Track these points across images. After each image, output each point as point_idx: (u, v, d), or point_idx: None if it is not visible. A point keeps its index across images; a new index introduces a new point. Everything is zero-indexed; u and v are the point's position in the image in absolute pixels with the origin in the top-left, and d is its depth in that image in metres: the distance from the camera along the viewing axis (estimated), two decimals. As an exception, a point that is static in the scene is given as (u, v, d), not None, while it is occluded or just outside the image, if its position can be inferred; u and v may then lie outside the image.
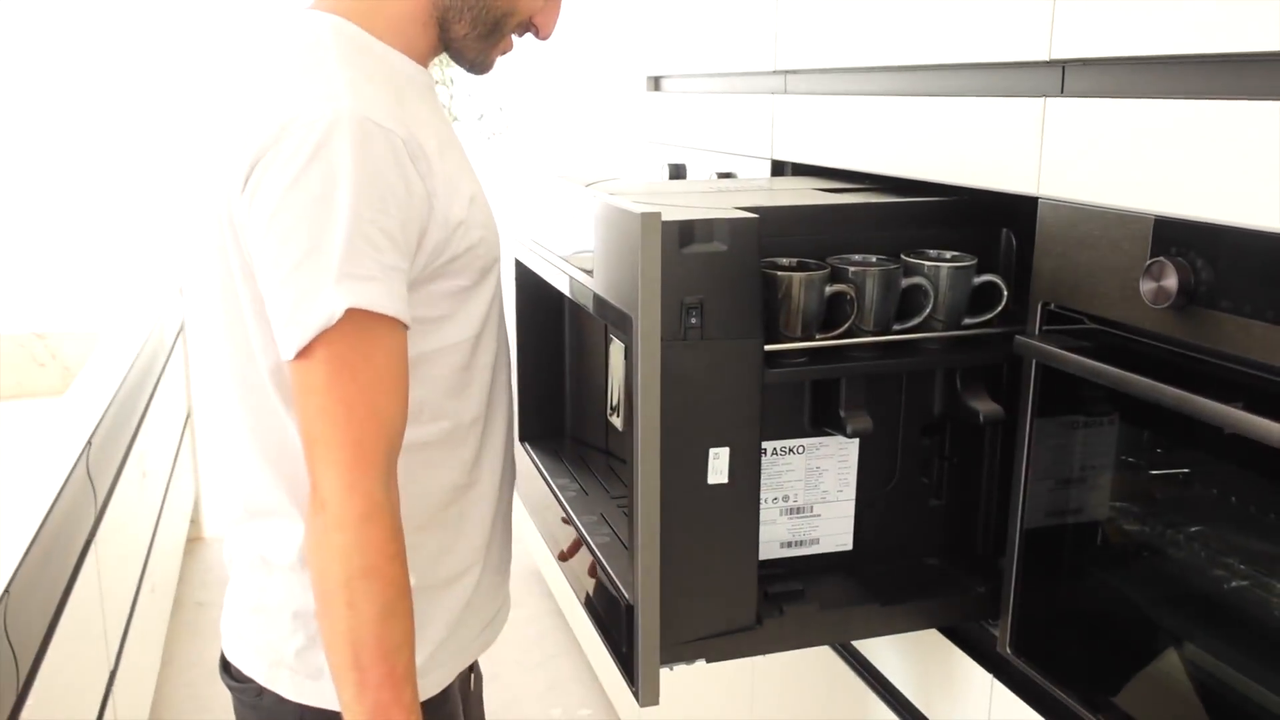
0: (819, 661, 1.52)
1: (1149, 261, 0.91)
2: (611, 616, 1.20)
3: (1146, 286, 0.91)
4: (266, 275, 0.95)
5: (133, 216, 6.27)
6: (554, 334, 1.55)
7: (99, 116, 6.33)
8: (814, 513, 1.21)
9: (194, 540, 3.63)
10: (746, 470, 1.07)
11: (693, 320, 1.02)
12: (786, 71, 1.60)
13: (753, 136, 1.69)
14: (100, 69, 6.29)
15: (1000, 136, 1.12)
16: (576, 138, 2.83)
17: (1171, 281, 0.89)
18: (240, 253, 0.99)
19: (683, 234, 1.00)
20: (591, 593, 1.30)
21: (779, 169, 1.64)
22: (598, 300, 1.12)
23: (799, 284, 1.06)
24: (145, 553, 2.43)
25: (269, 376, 1.03)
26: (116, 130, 6.38)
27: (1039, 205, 1.06)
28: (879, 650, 1.40)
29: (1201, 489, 0.99)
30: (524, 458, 1.53)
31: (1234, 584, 0.94)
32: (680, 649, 1.10)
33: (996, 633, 1.17)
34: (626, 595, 1.11)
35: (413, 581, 1.00)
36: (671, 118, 2.07)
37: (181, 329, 3.45)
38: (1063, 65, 1.04)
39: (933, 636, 1.27)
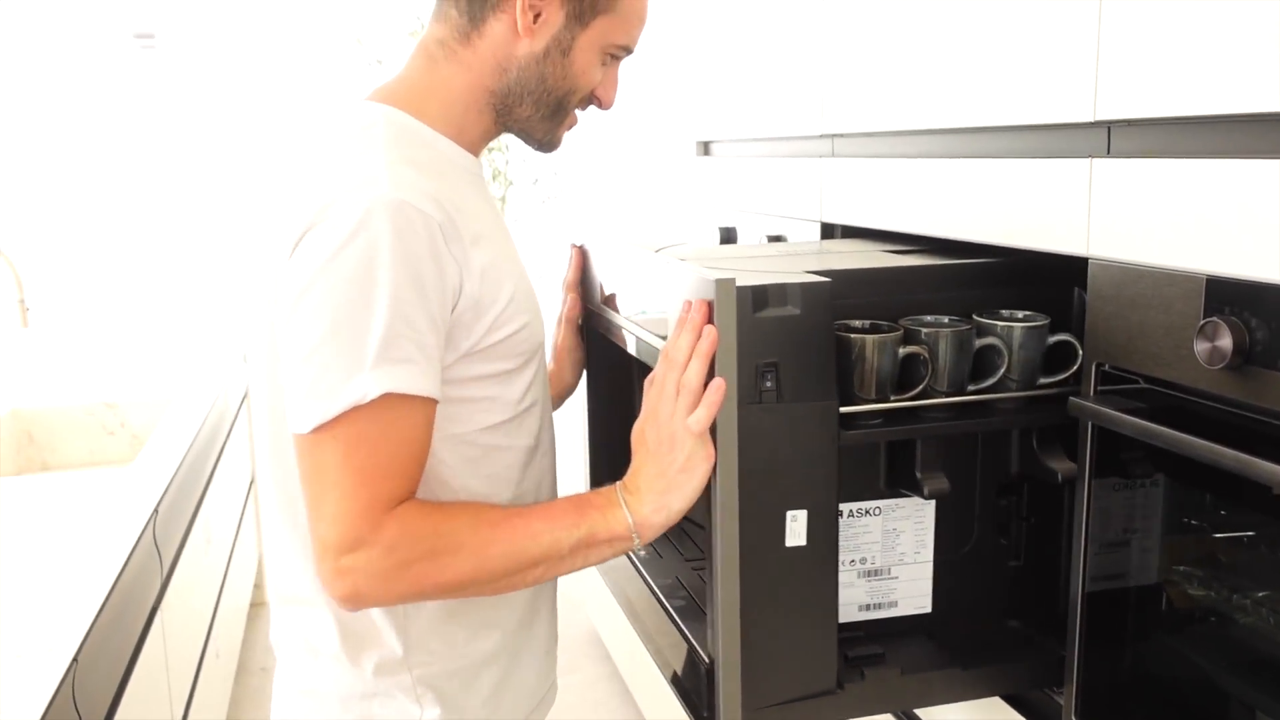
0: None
1: (1202, 321, 0.90)
2: (690, 678, 1.20)
3: (1201, 347, 0.90)
4: (291, 348, 0.96)
5: (198, 285, 6.44)
6: (624, 396, 1.56)
7: (165, 190, 6.54)
8: (891, 575, 1.21)
9: (257, 605, 3.67)
10: (824, 532, 1.07)
11: (768, 383, 1.03)
12: (834, 135, 1.61)
13: (802, 199, 1.70)
14: (164, 139, 6.50)
15: (1048, 197, 1.12)
16: (629, 201, 2.86)
17: (1226, 341, 0.88)
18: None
19: (756, 298, 1.02)
20: (668, 653, 1.29)
21: (828, 231, 1.64)
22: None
23: (873, 346, 1.06)
24: (210, 619, 2.46)
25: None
26: (181, 203, 6.58)
27: (1089, 265, 1.06)
28: (938, 715, 1.37)
29: (1267, 552, 0.96)
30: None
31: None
32: (762, 713, 1.09)
33: (1061, 700, 1.14)
34: (706, 657, 1.12)
35: (448, 665, 1.03)
36: (721, 181, 2.09)
37: (245, 395, 3.52)
38: (1108, 126, 1.04)
39: (995, 703, 1.25)
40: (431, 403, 0.98)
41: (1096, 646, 1.09)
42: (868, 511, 1.18)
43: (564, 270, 1.41)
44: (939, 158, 1.34)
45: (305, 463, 0.97)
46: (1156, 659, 1.06)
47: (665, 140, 2.41)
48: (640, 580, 1.39)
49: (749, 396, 1.02)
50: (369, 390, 0.93)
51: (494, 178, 5.70)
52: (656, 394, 1.04)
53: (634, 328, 1.25)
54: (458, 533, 0.98)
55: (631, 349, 1.26)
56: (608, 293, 1.34)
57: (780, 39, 1.77)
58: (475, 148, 1.13)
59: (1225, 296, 0.90)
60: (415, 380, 0.95)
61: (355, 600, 0.97)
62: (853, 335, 1.07)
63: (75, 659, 1.33)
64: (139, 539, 1.73)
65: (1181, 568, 1.03)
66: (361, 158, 0.99)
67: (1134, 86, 0.99)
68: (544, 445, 1.16)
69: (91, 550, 1.64)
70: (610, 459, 1.56)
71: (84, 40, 6.19)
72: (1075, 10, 1.06)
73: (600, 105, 1.16)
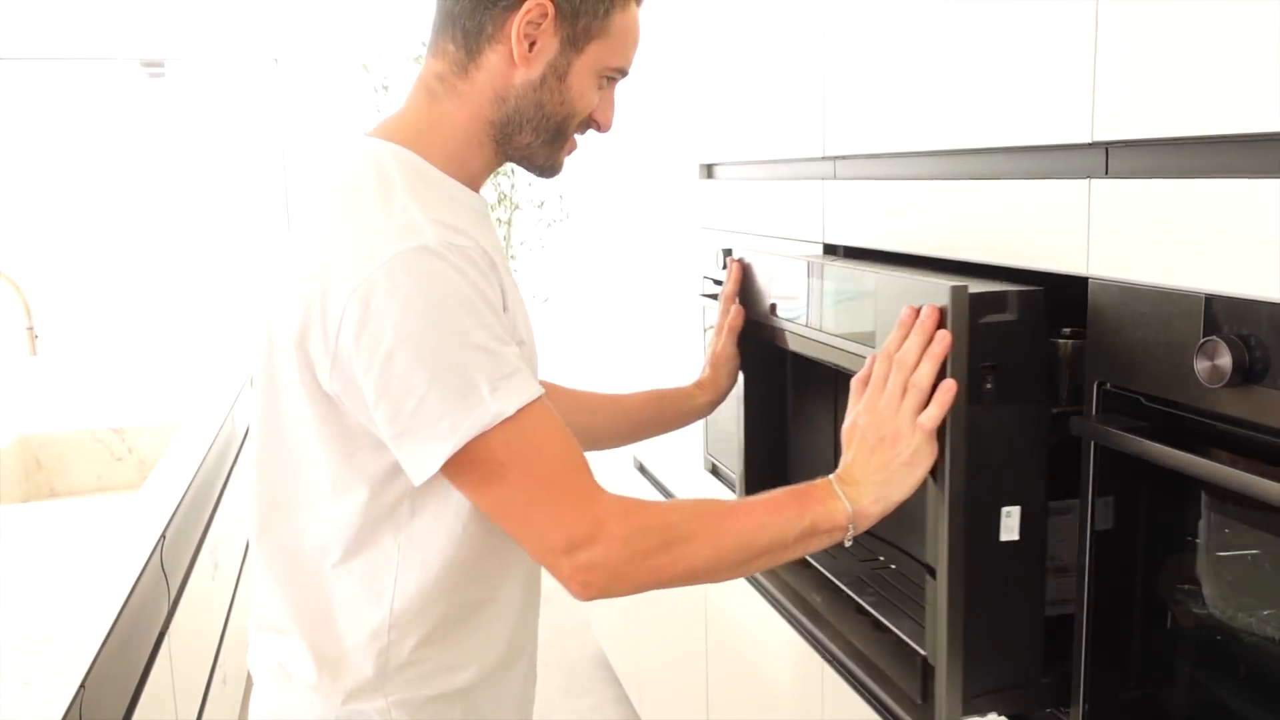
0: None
1: (1202, 340, 0.90)
2: (901, 670, 1.26)
3: (1201, 365, 0.90)
4: (393, 406, 0.97)
5: (205, 311, 6.46)
6: (778, 402, 1.64)
7: (172, 217, 6.57)
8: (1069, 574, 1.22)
9: (265, 629, 3.67)
10: (1035, 528, 1.12)
11: (988, 385, 1.09)
12: (836, 157, 1.62)
13: (804, 221, 1.71)
14: (172, 166, 6.54)
15: (1047, 218, 1.12)
16: (633, 223, 2.87)
17: (1225, 360, 0.88)
18: (314, 377, 1.01)
19: (983, 304, 1.07)
20: (867, 650, 1.34)
21: (830, 252, 1.65)
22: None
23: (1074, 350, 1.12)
24: (217, 644, 2.46)
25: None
26: (188, 230, 6.61)
27: (1089, 285, 1.06)
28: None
29: (1270, 570, 0.96)
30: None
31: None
32: (976, 702, 1.14)
33: (1067, 720, 1.14)
34: (922, 650, 1.19)
35: (422, 693, 1.07)
36: (724, 203, 2.10)
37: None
38: (1105, 147, 1.05)
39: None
40: (544, 400, 1.02)
41: (1102, 666, 1.09)
42: (1060, 511, 1.19)
43: (723, 283, 1.52)
44: (939, 179, 1.35)
45: (490, 502, 1.02)
46: (1162, 678, 1.06)
47: (668, 163, 2.42)
48: (816, 584, 1.46)
49: (970, 397, 1.08)
50: (501, 410, 0.97)
51: (500, 201, 5.73)
52: (877, 391, 1.12)
53: (817, 334, 1.34)
54: (686, 524, 1.04)
55: (824, 357, 1.35)
56: (770, 301, 1.46)
57: (782, 62, 1.78)
58: (477, 180, 1.16)
59: (1224, 315, 0.90)
60: (531, 386, 1.00)
61: (602, 592, 1.00)
62: (1061, 340, 1.12)
63: (83, 684, 1.33)
64: (146, 565, 1.73)
65: (1186, 586, 1.03)
66: (392, 206, 1.01)
67: (1131, 107, 1.00)
68: None
69: (99, 576, 1.65)
70: (766, 454, 1.65)
71: (93, 68, 6.24)
72: (1071, 33, 1.07)
73: (599, 128, 1.19)
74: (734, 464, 2.11)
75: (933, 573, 1.13)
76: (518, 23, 1.07)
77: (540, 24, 1.08)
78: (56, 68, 6.14)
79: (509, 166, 5.58)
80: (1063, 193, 1.09)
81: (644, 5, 1.17)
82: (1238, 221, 0.89)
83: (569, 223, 5.75)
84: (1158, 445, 0.94)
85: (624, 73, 1.16)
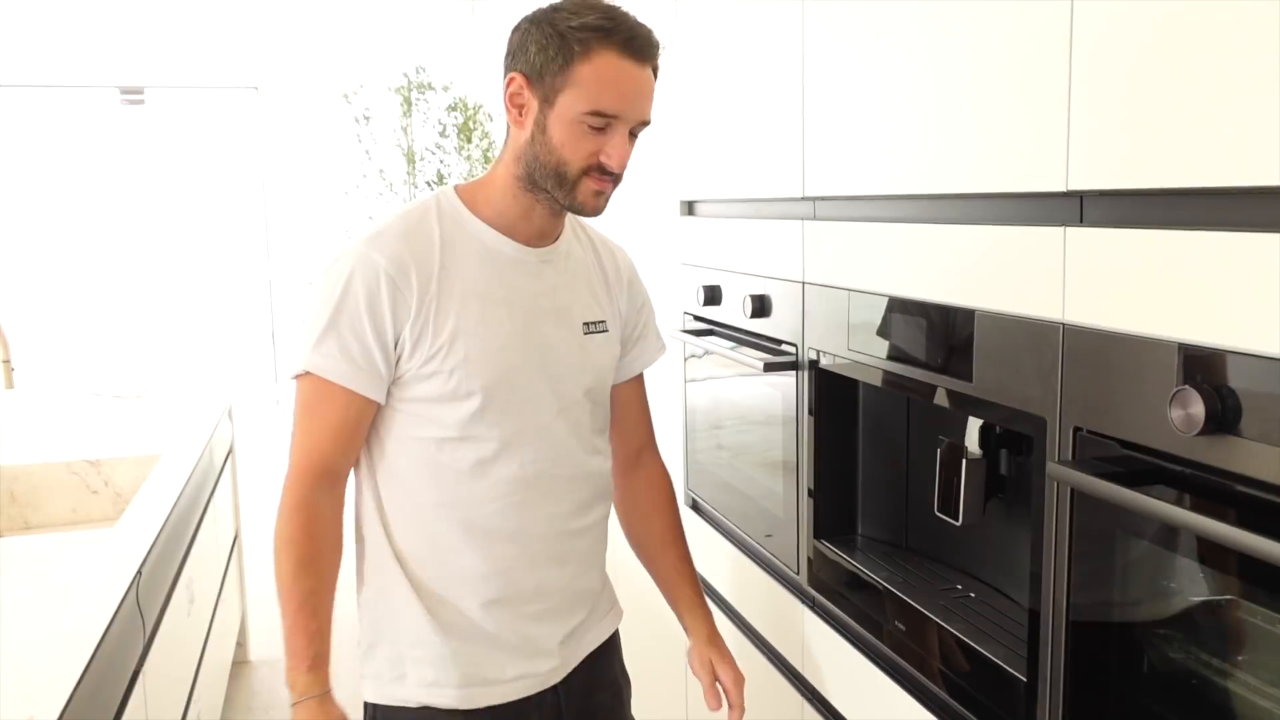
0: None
1: (1175, 389, 0.92)
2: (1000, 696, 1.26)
3: (1175, 414, 0.92)
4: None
5: (183, 340, 6.43)
6: (847, 438, 1.71)
7: (149, 248, 6.55)
8: None
9: (240, 664, 3.63)
10: None
11: None
12: (815, 198, 1.64)
13: (784, 260, 1.72)
14: (149, 196, 6.52)
15: (1024, 264, 1.14)
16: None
17: (1198, 409, 0.89)
18: None
19: None
20: (956, 676, 1.35)
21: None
22: (982, 404, 1.24)
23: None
24: (192, 679, 2.44)
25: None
26: (164, 261, 6.58)
27: (1063, 331, 1.08)
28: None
29: (1245, 616, 0.97)
30: (828, 551, 1.69)
31: (1284, 714, 0.92)
32: None
33: (1045, 763, 1.15)
34: (1024, 676, 1.21)
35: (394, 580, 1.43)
36: (704, 240, 2.12)
37: (231, 451, 3.51)
38: (1080, 196, 1.06)
39: (981, 766, 1.25)
40: (346, 393, 1.36)
41: (1075, 709, 1.10)
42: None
43: None
44: (918, 222, 1.36)
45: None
46: (1139, 721, 1.07)
47: (650, 199, 2.43)
48: (898, 611, 1.48)
49: None
50: (302, 366, 1.36)
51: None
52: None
53: (913, 371, 1.49)
54: (281, 546, 1.37)
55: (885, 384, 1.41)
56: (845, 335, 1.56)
57: (763, 103, 1.80)
58: (518, 227, 1.43)
59: (1199, 364, 0.91)
60: (327, 368, 1.35)
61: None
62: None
63: (57, 726, 1.32)
64: (122, 601, 1.72)
65: (1162, 630, 1.04)
66: (382, 218, 1.41)
67: (1104, 158, 1.02)
68: (499, 475, 1.41)
69: (74, 613, 1.63)
70: (833, 499, 1.72)
71: (72, 95, 6.22)
72: (1046, 83, 1.09)
73: (607, 168, 1.37)
74: (716, 499, 2.11)
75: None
76: (505, 96, 1.38)
77: (521, 92, 1.36)
78: (35, 95, 6.11)
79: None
80: (1038, 239, 1.11)
81: (635, 53, 1.33)
82: (1211, 273, 0.90)
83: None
84: (1132, 492, 0.95)
85: (605, 115, 1.33)
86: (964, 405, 1.30)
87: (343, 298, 1.34)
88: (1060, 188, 1.07)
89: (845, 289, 1.53)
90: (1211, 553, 0.96)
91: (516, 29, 1.38)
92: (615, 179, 1.39)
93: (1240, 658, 0.97)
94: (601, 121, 1.33)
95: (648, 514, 1.66)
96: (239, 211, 6.59)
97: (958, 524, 1.40)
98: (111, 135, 6.35)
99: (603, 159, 1.35)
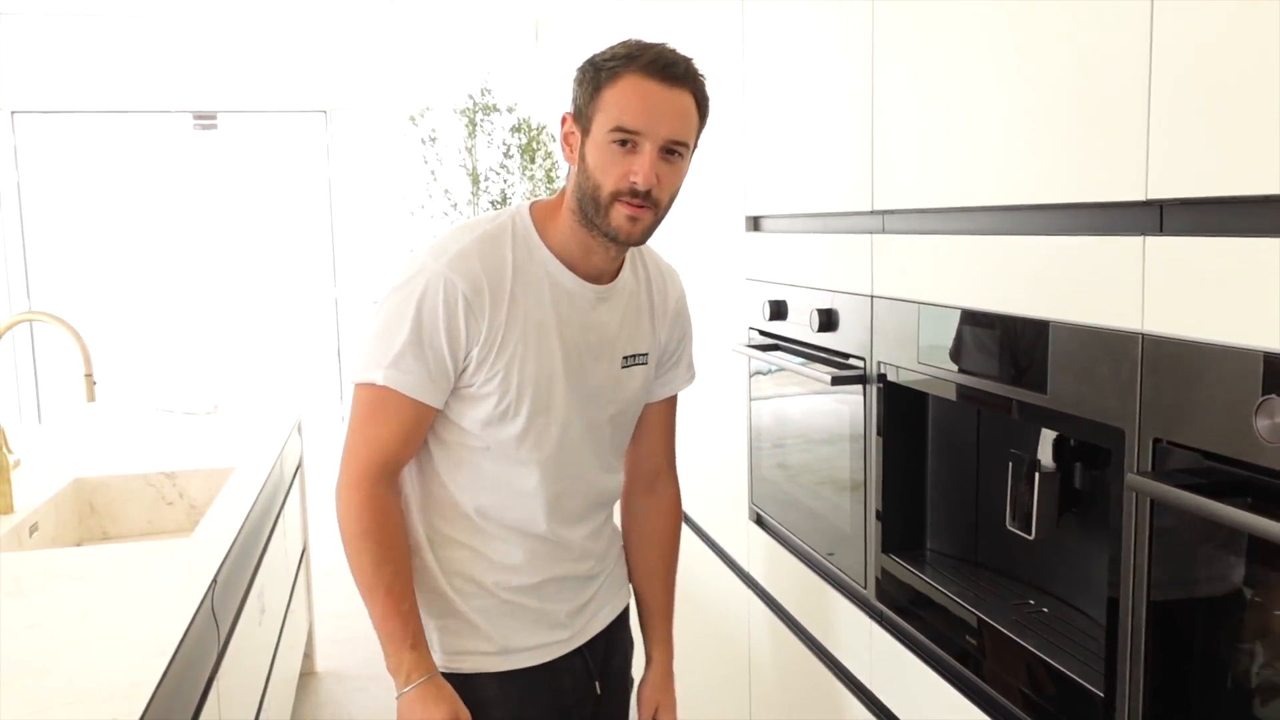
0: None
1: (1261, 399, 0.90)
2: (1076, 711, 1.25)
3: (1261, 423, 0.90)
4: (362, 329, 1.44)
5: (253, 355, 6.56)
6: (916, 453, 1.71)
7: (223, 266, 6.70)
8: None
9: (307, 675, 3.68)
10: None
11: None
12: (884, 212, 1.64)
13: (852, 273, 1.72)
14: (224, 216, 6.67)
15: (1101, 274, 1.13)
16: (683, 274, 2.90)
17: (1286, 418, 0.88)
18: None
19: None
20: (1029, 691, 1.34)
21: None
22: (1056, 416, 1.23)
23: None
24: (263, 687, 2.48)
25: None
26: (238, 279, 6.73)
27: (1143, 341, 1.06)
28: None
29: (1334, 631, 0.95)
30: (895, 567, 1.68)
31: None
32: None
33: (1125, 782, 1.12)
34: (1101, 691, 1.19)
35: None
36: (769, 256, 2.12)
37: (300, 464, 3.57)
38: (1160, 205, 1.05)
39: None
40: (412, 402, 1.44)
41: (1161, 726, 1.08)
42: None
43: None
44: (990, 234, 1.35)
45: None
46: (1223, 740, 1.04)
47: (715, 215, 2.44)
48: (969, 628, 1.48)
49: None
50: (378, 379, 1.43)
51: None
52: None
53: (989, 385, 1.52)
54: (366, 554, 1.46)
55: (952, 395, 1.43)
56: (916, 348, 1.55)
57: (830, 117, 1.80)
58: (580, 262, 1.49)
59: (1283, 373, 0.90)
60: (402, 384, 1.42)
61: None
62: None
63: (138, 729, 1.35)
64: (198, 610, 1.75)
65: (1245, 645, 1.02)
66: (460, 237, 1.47)
67: (1184, 166, 1.01)
68: (529, 488, 1.52)
69: (152, 622, 1.67)
70: (903, 513, 1.71)
71: (146, 120, 6.40)
72: (1125, 90, 1.08)
73: (635, 188, 1.39)
74: (781, 515, 2.10)
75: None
76: (561, 137, 1.47)
77: (571, 130, 1.44)
78: (112, 120, 6.30)
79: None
80: (1116, 249, 1.10)
81: (658, 74, 1.37)
82: (1295, 280, 0.89)
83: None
84: (1215, 503, 0.93)
85: (623, 130, 1.38)
86: (1038, 418, 1.29)
87: (421, 315, 1.42)
88: (1140, 197, 1.06)
89: (915, 302, 1.52)
90: (1299, 566, 0.94)
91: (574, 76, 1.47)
92: (652, 205, 1.41)
93: (1330, 674, 0.94)
94: (627, 139, 1.38)
95: (652, 542, 1.76)
96: (307, 232, 6.72)
97: (1030, 538, 1.39)
98: (185, 159, 6.52)
99: (631, 178, 1.39)
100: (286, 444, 3.13)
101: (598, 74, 1.40)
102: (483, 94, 5.68)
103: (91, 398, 2.28)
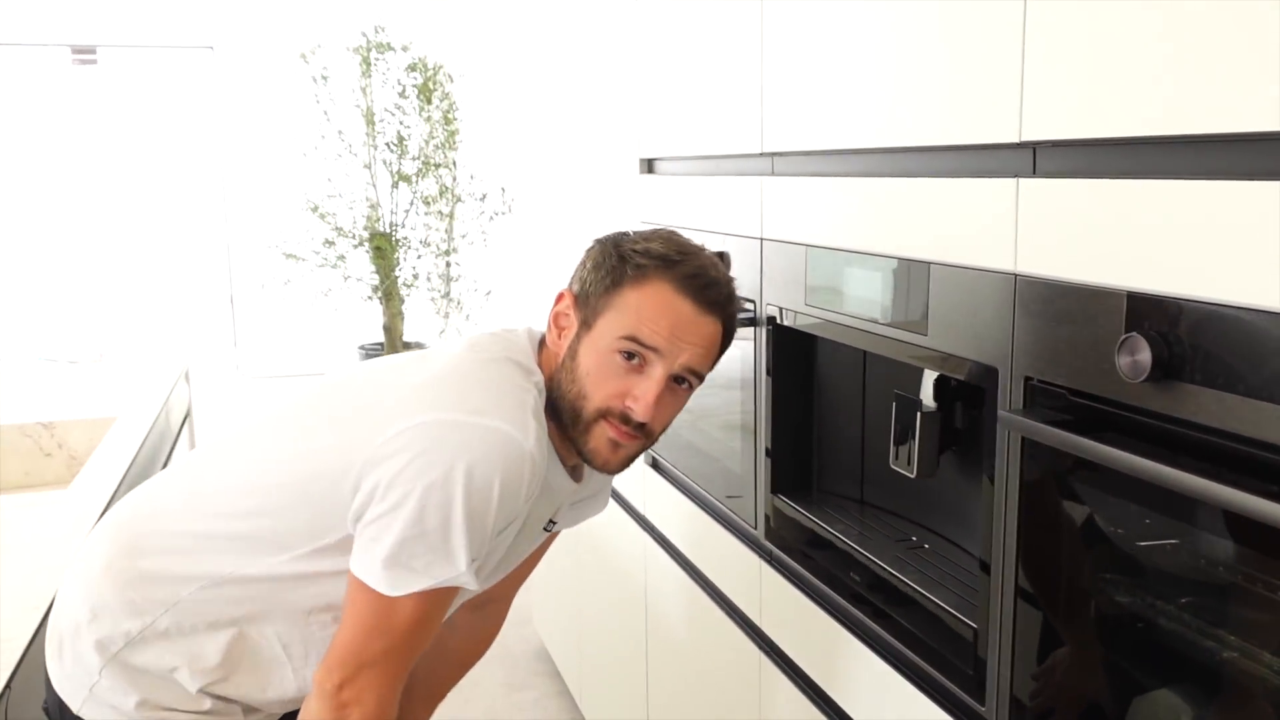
0: (823, 740, 1.51)
1: (1123, 336, 0.93)
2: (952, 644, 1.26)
3: (1122, 360, 0.93)
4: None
5: (139, 301, 6.33)
6: (805, 395, 1.69)
7: (105, 206, 6.43)
8: None
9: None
10: None
11: None
12: (773, 154, 1.64)
13: (742, 217, 1.72)
14: (105, 153, 6.40)
15: (977, 216, 1.14)
16: (574, 216, 2.87)
17: (1145, 356, 0.90)
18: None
19: None
20: (914, 628, 1.34)
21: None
22: (936, 357, 1.25)
23: None
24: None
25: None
26: (120, 219, 6.48)
27: (1016, 282, 1.08)
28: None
29: (1189, 560, 0.99)
30: (785, 507, 1.69)
31: (1226, 655, 0.94)
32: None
33: (983, 706, 1.17)
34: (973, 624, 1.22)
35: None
36: (664, 198, 2.11)
37: (188, 414, 3.47)
38: (1033, 147, 1.07)
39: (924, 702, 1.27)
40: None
41: (1024, 657, 1.12)
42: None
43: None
44: (874, 176, 1.36)
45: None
46: (1087, 664, 1.09)
47: (609, 157, 2.42)
48: (849, 564, 1.50)
49: None
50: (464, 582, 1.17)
51: (441, 194, 5.69)
52: None
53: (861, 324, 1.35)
54: None
55: (861, 345, 1.44)
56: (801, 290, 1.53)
57: (721, 59, 1.79)
58: (561, 449, 1.26)
59: (1146, 312, 0.92)
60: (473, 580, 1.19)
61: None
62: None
63: (8, 685, 1.31)
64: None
65: (1109, 575, 1.06)
66: (522, 409, 1.17)
67: (1057, 109, 1.02)
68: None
69: (26, 575, 1.61)
70: (793, 453, 1.71)
71: (22, 54, 6.08)
72: (1000, 35, 1.09)
73: (631, 415, 1.20)
74: (677, 459, 2.12)
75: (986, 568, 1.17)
76: (551, 313, 1.26)
77: (567, 312, 1.24)
78: (-17, 53, 5.97)
79: (450, 159, 5.54)
80: (992, 191, 1.12)
81: (695, 293, 1.20)
82: (1160, 221, 0.91)
83: (511, 216, 5.73)
84: (1081, 438, 0.96)
85: (637, 343, 1.18)
86: (920, 358, 1.31)
87: (505, 498, 1.14)
88: (1014, 139, 1.08)
89: (803, 244, 1.53)
90: (1158, 498, 0.98)
91: (589, 248, 1.28)
92: (641, 435, 1.22)
93: (1184, 600, 0.98)
94: (636, 354, 1.19)
95: (444, 659, 1.58)
96: (196, 174, 6.49)
97: (912, 476, 1.42)
98: (63, 96, 6.22)
99: (628, 402, 1.19)
100: (173, 392, 3.03)
101: (622, 265, 1.20)
102: (376, 31, 5.52)
103: (-42, 345, 2.18)
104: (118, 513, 1.34)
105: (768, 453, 1.72)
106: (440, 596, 1.18)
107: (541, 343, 1.30)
